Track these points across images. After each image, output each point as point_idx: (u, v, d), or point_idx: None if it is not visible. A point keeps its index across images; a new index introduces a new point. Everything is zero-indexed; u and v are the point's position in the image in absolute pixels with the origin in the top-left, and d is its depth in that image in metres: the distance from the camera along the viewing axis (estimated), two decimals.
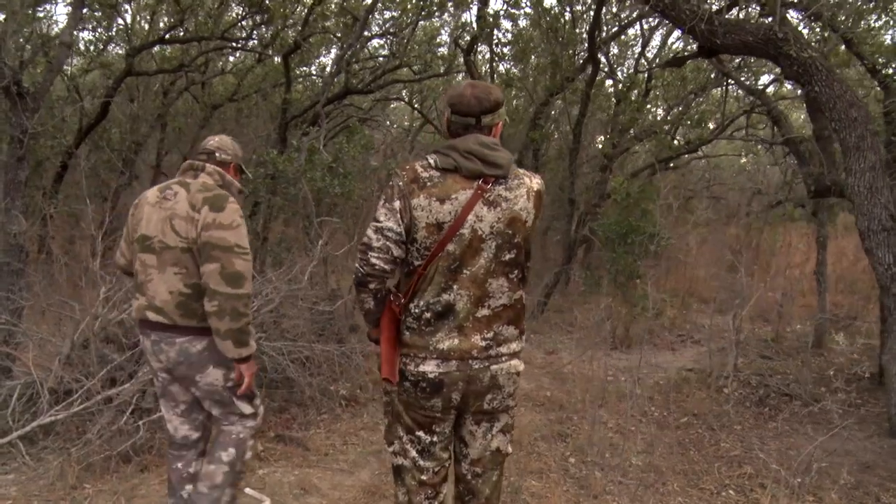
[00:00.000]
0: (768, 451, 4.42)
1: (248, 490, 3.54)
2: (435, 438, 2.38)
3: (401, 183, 2.20)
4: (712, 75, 9.95)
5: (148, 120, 10.34)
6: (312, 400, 4.72)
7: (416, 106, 13.51)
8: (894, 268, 4.38)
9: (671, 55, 9.46)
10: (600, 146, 11.33)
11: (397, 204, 2.19)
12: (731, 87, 10.25)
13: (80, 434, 3.78)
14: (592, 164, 11.14)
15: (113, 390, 3.92)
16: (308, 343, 5.04)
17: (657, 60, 9.90)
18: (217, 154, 2.80)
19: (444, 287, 2.21)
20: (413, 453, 2.38)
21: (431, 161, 2.22)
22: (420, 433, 2.36)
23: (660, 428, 4.82)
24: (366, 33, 9.24)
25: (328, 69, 12.24)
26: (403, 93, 13.41)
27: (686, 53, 6.16)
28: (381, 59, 10.77)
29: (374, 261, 2.17)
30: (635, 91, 9.80)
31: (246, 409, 2.79)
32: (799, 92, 6.52)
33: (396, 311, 2.28)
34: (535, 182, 2.31)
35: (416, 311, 2.23)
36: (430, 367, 2.23)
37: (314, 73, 11.91)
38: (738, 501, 3.72)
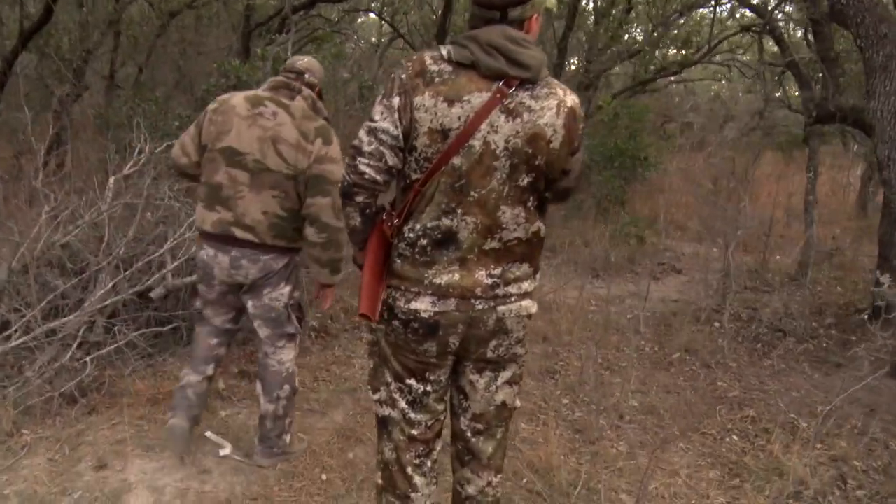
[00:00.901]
0: (768, 391, 4.18)
1: (208, 434, 3.17)
2: (429, 388, 2.04)
3: (403, 76, 1.82)
4: None
5: (99, 27, 9.53)
6: None
7: (386, 19, 12.77)
8: None
9: None
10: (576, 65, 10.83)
11: (396, 101, 1.81)
12: (721, 6, 9.78)
13: (18, 372, 3.36)
14: (572, 83, 10.64)
15: (56, 322, 3.48)
16: None
17: None
18: (307, 75, 2.77)
19: (446, 210, 1.84)
20: (402, 404, 2.05)
21: (444, 52, 1.82)
22: (411, 381, 2.03)
23: (652, 364, 4.54)
24: None
25: None
26: (373, 4, 12.66)
27: None
28: None
29: (362, 168, 1.83)
30: (617, 7, 9.26)
31: (294, 329, 2.90)
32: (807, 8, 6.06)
33: (388, 234, 1.92)
34: (570, 98, 1.89)
35: (411, 235, 1.88)
36: (423, 305, 1.89)
37: None
38: (742, 448, 3.46)
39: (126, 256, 4.00)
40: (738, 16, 11.04)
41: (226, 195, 2.66)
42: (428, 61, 1.82)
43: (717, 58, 11.64)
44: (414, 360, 1.98)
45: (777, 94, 13.68)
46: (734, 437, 3.58)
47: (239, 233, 2.66)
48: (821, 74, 5.90)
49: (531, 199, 1.90)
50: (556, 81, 1.90)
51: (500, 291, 1.91)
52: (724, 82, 15.95)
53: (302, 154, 2.62)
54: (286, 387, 2.92)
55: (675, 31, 10.29)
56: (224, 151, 2.65)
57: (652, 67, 9.88)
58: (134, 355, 3.73)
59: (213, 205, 2.69)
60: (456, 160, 1.81)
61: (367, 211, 1.91)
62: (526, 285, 1.97)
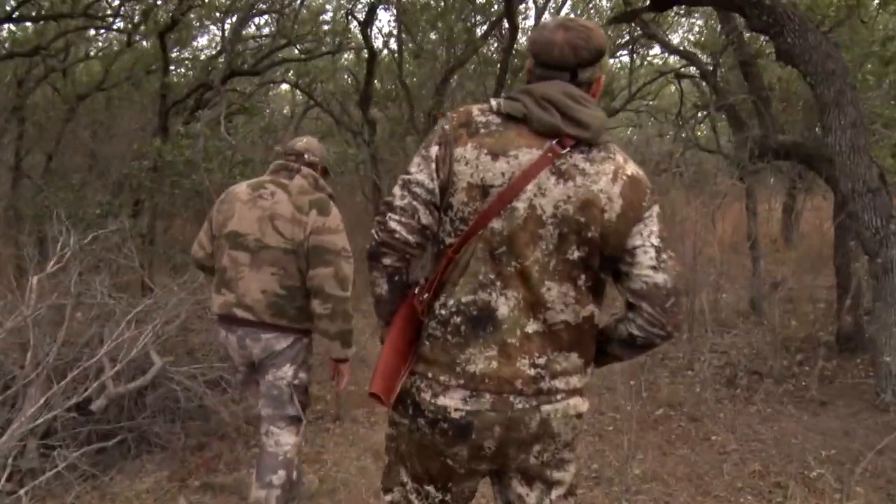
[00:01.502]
0: (764, 440, 3.99)
1: None
2: (448, 498, 1.76)
3: (447, 126, 1.64)
4: (621, 40, 9.68)
5: (2, 115, 8.97)
6: (238, 431, 3.90)
7: (304, 89, 12.56)
8: (882, 231, 4.03)
9: (612, 11, 8.92)
10: None
11: (434, 150, 1.62)
12: (639, 52, 10.02)
13: None
14: None
15: None
16: (224, 362, 4.19)
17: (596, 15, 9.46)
18: (306, 156, 2.82)
19: (484, 282, 1.59)
20: None
21: (494, 104, 1.63)
22: (429, 487, 1.75)
23: (639, 425, 4.30)
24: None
25: (206, 51, 11.23)
26: (289, 75, 12.43)
27: (636, 7, 5.67)
28: (265, 38, 9.85)
29: (392, 225, 1.61)
30: None
31: (296, 412, 2.78)
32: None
33: (419, 310, 1.66)
34: (631, 167, 1.65)
35: (443, 312, 1.62)
36: (453, 402, 1.60)
37: (190, 56, 10.79)
38: None
39: (58, 365, 3.54)
40: (648, 62, 11.41)
41: (229, 277, 2.70)
42: (475, 112, 1.64)
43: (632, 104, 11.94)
44: (439, 465, 1.69)
45: (694, 135, 14.13)
46: (748, 496, 3.35)
47: (240, 312, 2.68)
48: (756, 113, 5.97)
49: (583, 276, 1.62)
50: (616, 147, 1.67)
51: (544, 385, 1.62)
52: (635, 128, 16.36)
53: (297, 227, 2.62)
54: (281, 472, 2.73)
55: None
56: (228, 236, 2.71)
57: None
58: (76, 479, 3.23)
59: (220, 288, 2.75)
60: (496, 223, 1.57)
61: (396, 278, 1.68)
62: (575, 380, 1.66)
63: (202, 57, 10.23)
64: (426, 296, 1.64)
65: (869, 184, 4.02)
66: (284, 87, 14.83)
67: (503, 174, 1.56)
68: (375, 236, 1.64)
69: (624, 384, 5.07)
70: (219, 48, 9.67)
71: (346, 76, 13.01)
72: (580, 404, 1.69)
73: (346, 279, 2.62)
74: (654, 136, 16.65)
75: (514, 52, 7.78)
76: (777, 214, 12.47)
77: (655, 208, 1.64)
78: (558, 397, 1.64)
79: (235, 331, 2.72)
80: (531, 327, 1.60)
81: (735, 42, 6.06)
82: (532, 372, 1.60)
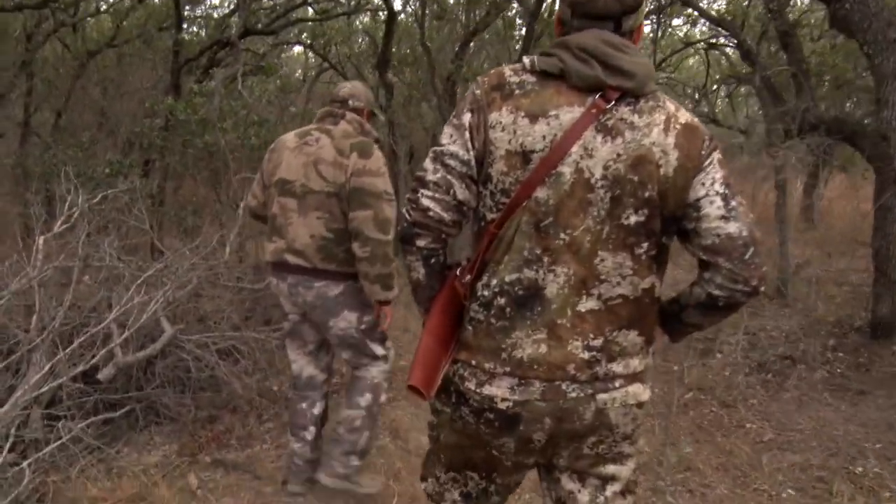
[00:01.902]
0: (802, 429, 3.80)
1: None
2: (491, 489, 1.69)
3: (478, 91, 1.49)
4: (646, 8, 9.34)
5: (10, 69, 8.72)
6: (251, 405, 3.73)
7: (318, 51, 12.25)
8: None
9: None
10: None
11: (468, 118, 1.47)
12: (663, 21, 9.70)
13: None
14: None
15: None
16: (237, 331, 4.02)
17: None
18: (350, 101, 2.79)
19: (529, 258, 1.45)
20: (455, 495, 1.72)
21: (527, 61, 1.48)
22: (472, 474, 1.68)
23: (668, 409, 4.11)
24: None
25: (220, 10, 10.92)
26: (303, 36, 12.11)
27: None
28: None
29: (426, 202, 1.47)
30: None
31: (378, 350, 2.81)
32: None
33: (461, 293, 1.53)
34: (684, 114, 1.47)
35: (486, 293, 1.49)
36: (500, 391, 1.48)
37: (203, 14, 10.49)
38: None
39: (64, 330, 3.37)
40: (670, 33, 11.05)
41: (279, 224, 2.71)
42: (507, 73, 1.49)
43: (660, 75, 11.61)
44: (483, 455, 1.61)
45: (712, 110, 13.82)
46: (790, 490, 3.16)
47: (291, 258, 2.68)
48: (795, 86, 5.69)
49: (642, 243, 1.46)
50: (666, 96, 1.50)
51: (600, 370, 1.47)
52: None
53: (339, 170, 2.60)
54: (368, 395, 2.82)
55: None
56: (277, 184, 2.72)
57: None
58: (81, 451, 3.06)
59: (271, 235, 2.77)
60: (540, 192, 1.43)
61: (433, 260, 1.55)
62: (635, 363, 1.51)
63: (215, 15, 9.92)
64: (468, 277, 1.51)
65: None
66: (297, 49, 14.57)
67: (544, 137, 1.42)
68: (407, 216, 1.50)
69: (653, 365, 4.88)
70: (233, 6, 9.37)
71: (360, 39, 12.71)
72: (641, 392, 1.53)
73: (386, 222, 2.57)
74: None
75: (540, 15, 7.47)
76: (798, 193, 12.21)
77: (716, 154, 1.48)
78: (616, 384, 1.49)
79: (286, 278, 2.72)
80: (584, 305, 1.46)
81: (775, 11, 5.76)
82: (586, 355, 1.46)
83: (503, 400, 1.47)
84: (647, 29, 10.55)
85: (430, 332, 1.53)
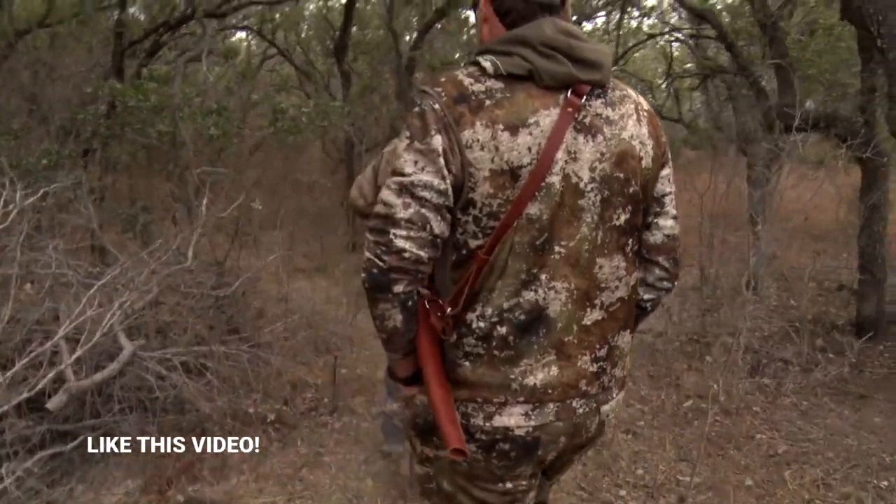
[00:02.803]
0: (814, 439, 3.61)
1: None
2: None
3: (437, 105, 1.30)
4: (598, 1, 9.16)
5: None
6: (223, 428, 3.32)
7: (267, 37, 11.69)
8: None
9: None
10: None
11: (437, 141, 1.28)
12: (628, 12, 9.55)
13: None
14: None
15: None
16: (203, 345, 3.60)
17: None
18: None
19: (527, 279, 1.35)
20: None
21: (487, 64, 1.32)
22: None
23: (671, 420, 3.87)
24: None
25: None
26: (250, 21, 11.52)
27: None
28: None
29: (399, 243, 1.27)
30: None
31: None
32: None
33: (439, 329, 1.39)
34: (643, 99, 1.47)
35: (482, 325, 1.36)
36: (514, 419, 1.38)
37: None
38: None
39: (2, 350, 2.90)
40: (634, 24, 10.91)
41: None
42: (466, 81, 1.32)
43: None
44: (499, 494, 1.48)
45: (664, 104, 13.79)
46: None
47: None
48: (778, 81, 5.53)
49: (630, 241, 1.45)
50: (617, 81, 1.45)
51: (605, 380, 1.46)
52: None
53: None
54: None
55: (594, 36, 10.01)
56: None
57: None
58: (25, 495, 2.61)
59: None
60: (532, 209, 1.32)
61: (410, 303, 1.36)
62: (626, 361, 1.55)
63: None
64: (451, 310, 1.37)
65: None
66: (239, 35, 13.98)
67: (530, 149, 1.30)
68: (379, 262, 1.29)
69: (641, 370, 4.66)
70: None
71: (304, 25, 12.21)
72: (622, 394, 1.56)
73: None
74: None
75: None
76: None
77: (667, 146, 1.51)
78: (615, 393, 1.51)
79: None
80: (590, 318, 1.40)
81: (757, 2, 5.58)
82: (595, 367, 1.43)
83: (519, 427, 1.38)
84: (601, 21, 10.41)
85: (436, 382, 1.38)
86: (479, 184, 1.29)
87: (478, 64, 1.33)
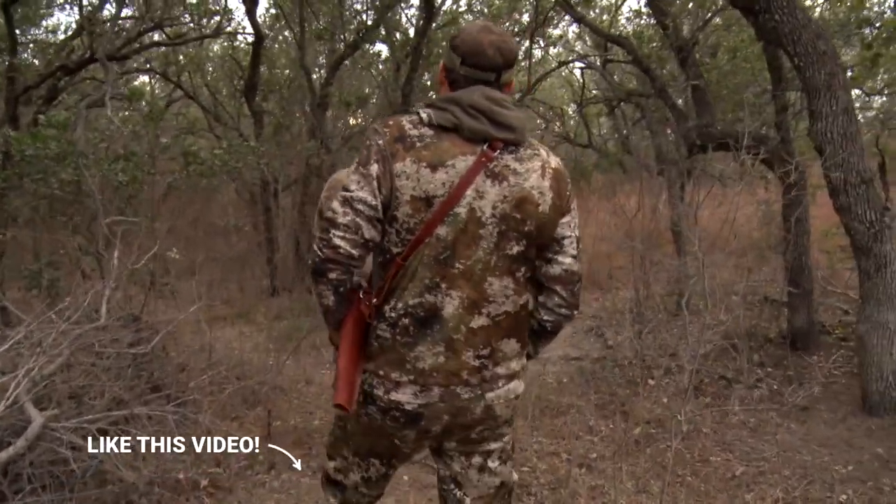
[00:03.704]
0: (767, 457, 3.58)
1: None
2: (390, 472, 2.03)
3: (381, 141, 1.70)
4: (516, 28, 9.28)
5: None
6: (150, 500, 3.01)
7: (172, 79, 11.29)
8: (877, 225, 3.72)
9: None
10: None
11: (374, 168, 1.68)
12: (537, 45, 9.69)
13: None
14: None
15: None
16: (122, 408, 3.29)
17: None
18: None
19: (430, 285, 1.72)
20: (357, 478, 2.02)
21: (424, 115, 1.72)
22: (375, 461, 1.97)
23: (621, 449, 3.77)
24: None
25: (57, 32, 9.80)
26: (152, 64, 11.09)
27: None
28: (126, 21, 8.62)
29: (337, 242, 1.66)
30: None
31: None
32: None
33: (366, 314, 1.77)
34: (554, 159, 1.82)
35: (392, 315, 1.74)
36: (405, 397, 1.75)
37: (39, 36, 9.35)
38: None
39: None
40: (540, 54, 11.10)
41: None
42: (406, 126, 1.71)
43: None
44: (386, 444, 1.89)
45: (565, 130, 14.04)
46: None
47: None
48: (695, 102, 5.64)
49: (521, 268, 1.78)
50: (538, 143, 1.81)
51: (487, 374, 1.77)
52: None
53: None
54: None
55: None
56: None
57: None
58: None
59: None
60: (441, 229, 1.69)
61: (342, 289, 1.73)
62: (514, 364, 1.82)
63: (55, 39, 8.85)
64: (374, 300, 1.74)
65: (862, 174, 3.70)
66: (143, 78, 13.52)
67: (444, 184, 1.66)
68: (320, 253, 1.67)
69: (584, 399, 4.57)
70: (75, 29, 8.36)
71: (210, 67, 11.91)
72: (518, 387, 1.85)
73: None
74: (531, 131, 16.55)
75: (426, 37, 7.11)
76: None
77: (574, 200, 1.83)
78: (500, 384, 1.79)
79: None
80: (476, 322, 1.73)
81: (669, 27, 5.71)
82: (477, 363, 1.74)
83: (408, 403, 1.74)
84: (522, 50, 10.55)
85: (345, 354, 1.75)
86: (402, 205, 1.66)
87: (419, 114, 1.70)
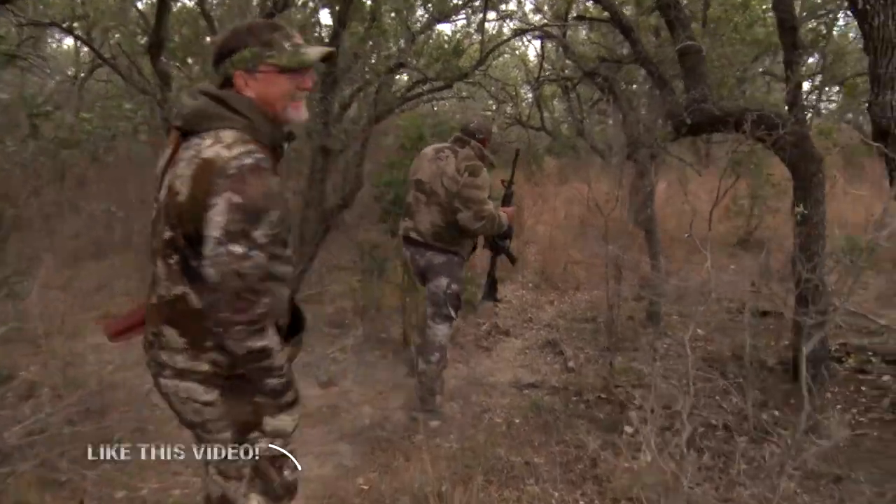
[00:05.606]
0: None
1: None
2: None
3: None
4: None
5: None
6: None
7: (81, 36, 9.70)
8: None
9: None
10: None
11: None
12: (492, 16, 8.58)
13: None
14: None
15: None
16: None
17: None
18: (476, 134, 3.90)
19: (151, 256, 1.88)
20: None
21: None
22: None
23: None
24: None
25: None
26: (65, 22, 9.52)
27: None
28: None
29: None
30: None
31: (451, 313, 3.90)
32: None
33: None
34: (212, 151, 1.67)
35: None
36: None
37: None
38: None
39: None
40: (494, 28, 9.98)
41: (412, 210, 3.92)
42: None
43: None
44: None
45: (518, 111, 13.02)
46: None
47: (413, 235, 3.89)
48: (684, 73, 4.52)
49: (173, 256, 1.74)
50: (226, 134, 1.70)
51: (154, 354, 1.80)
52: (463, 100, 14.98)
53: (454, 182, 3.75)
54: (436, 354, 3.91)
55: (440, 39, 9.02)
56: (415, 182, 3.93)
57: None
58: None
59: (405, 216, 4.00)
60: (154, 214, 1.83)
61: None
62: (181, 360, 1.76)
63: None
64: None
65: None
66: (68, 42, 12.10)
67: (161, 172, 1.81)
68: None
69: (543, 454, 3.44)
70: None
71: (131, 25, 10.46)
72: (195, 391, 1.76)
73: (484, 217, 3.71)
74: (480, 111, 15.33)
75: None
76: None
77: (227, 196, 1.61)
78: (167, 373, 1.78)
79: (409, 248, 3.93)
80: (151, 301, 1.81)
81: None
82: (151, 338, 1.81)
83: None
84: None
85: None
86: None
87: None
